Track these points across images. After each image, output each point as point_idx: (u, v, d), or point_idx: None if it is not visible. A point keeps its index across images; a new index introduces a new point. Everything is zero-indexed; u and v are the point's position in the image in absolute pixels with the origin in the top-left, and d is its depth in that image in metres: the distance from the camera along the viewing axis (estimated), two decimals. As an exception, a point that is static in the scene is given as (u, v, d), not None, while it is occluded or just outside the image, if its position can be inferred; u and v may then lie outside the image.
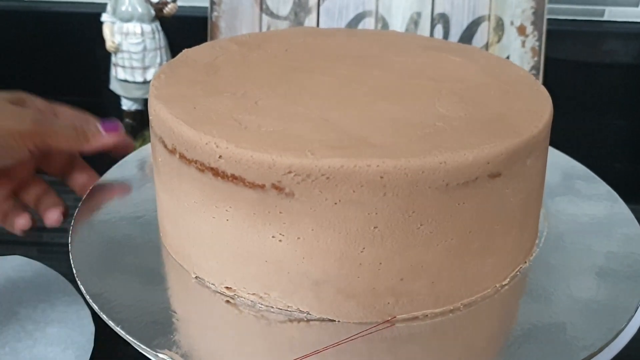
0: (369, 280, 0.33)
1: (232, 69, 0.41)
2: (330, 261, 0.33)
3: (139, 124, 0.73)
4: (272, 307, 0.35)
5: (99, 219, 0.41)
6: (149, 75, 0.69)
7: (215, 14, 0.70)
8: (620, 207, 0.44)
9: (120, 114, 0.72)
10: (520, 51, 0.69)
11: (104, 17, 0.68)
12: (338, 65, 0.42)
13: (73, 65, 0.80)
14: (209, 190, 0.34)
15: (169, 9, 0.68)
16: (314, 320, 0.34)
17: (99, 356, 0.43)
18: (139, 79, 0.69)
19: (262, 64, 0.42)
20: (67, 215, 0.44)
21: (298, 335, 0.34)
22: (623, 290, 0.36)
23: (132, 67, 0.68)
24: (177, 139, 0.34)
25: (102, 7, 0.68)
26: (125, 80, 0.69)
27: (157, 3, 0.68)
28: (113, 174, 0.47)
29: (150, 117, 0.38)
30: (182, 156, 0.34)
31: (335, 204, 0.32)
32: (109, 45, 0.68)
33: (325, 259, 0.33)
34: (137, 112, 0.72)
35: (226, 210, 0.34)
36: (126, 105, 0.72)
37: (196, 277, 0.37)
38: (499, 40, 0.69)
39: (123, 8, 0.67)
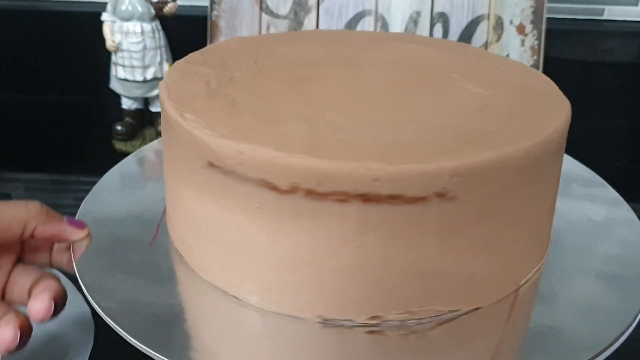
0: (508, 259, 0.35)
1: (242, 93, 0.37)
2: (485, 254, 0.33)
3: (139, 123, 0.73)
4: (424, 319, 0.33)
5: (100, 217, 0.41)
6: (149, 74, 0.69)
7: (215, 13, 0.70)
8: (623, 208, 0.43)
9: (120, 113, 0.72)
10: (520, 50, 0.69)
11: (104, 16, 0.68)
12: (332, 70, 0.41)
13: (73, 64, 0.81)
14: (356, 219, 0.31)
15: (169, 8, 0.69)
16: (462, 315, 0.34)
17: (99, 354, 0.43)
18: (139, 77, 0.69)
19: (260, 81, 0.39)
20: (24, 336, 0.34)
21: (448, 334, 0.34)
22: (626, 292, 0.36)
23: (132, 66, 0.68)
24: (303, 176, 0.30)
25: (102, 6, 0.68)
26: (125, 79, 0.69)
27: (157, 2, 0.68)
28: (113, 173, 0.47)
29: (228, 162, 0.32)
30: (310, 192, 0.30)
31: (491, 195, 0.32)
32: (109, 44, 0.68)
33: (482, 252, 0.33)
34: (137, 111, 0.72)
35: (379, 234, 0.31)
36: (126, 104, 0.72)
37: (324, 321, 0.34)
38: (498, 39, 0.69)
39: (123, 7, 0.67)
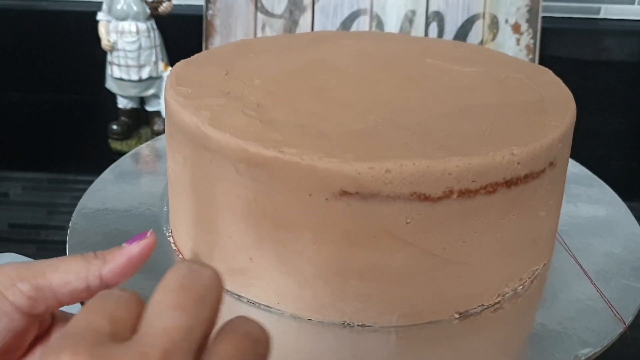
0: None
1: (290, 116, 0.34)
2: (559, 208, 0.38)
3: (134, 122, 0.73)
4: (526, 281, 0.36)
5: (97, 214, 0.41)
6: (144, 74, 0.69)
7: (210, 12, 0.70)
8: (620, 207, 0.44)
9: (116, 112, 0.72)
10: (515, 49, 0.69)
11: (100, 16, 0.68)
12: (324, 76, 0.39)
13: (70, 63, 0.80)
14: (499, 206, 0.32)
15: (164, 7, 0.69)
16: (539, 271, 0.37)
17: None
18: (135, 77, 0.69)
19: (283, 100, 0.36)
20: None
21: (539, 288, 0.37)
22: (624, 291, 0.36)
23: (128, 66, 0.68)
24: (458, 178, 0.30)
25: (98, 6, 0.68)
26: (121, 79, 0.69)
27: (152, 2, 0.68)
28: (110, 171, 0.47)
29: (372, 185, 0.29)
30: (463, 193, 0.30)
31: (566, 155, 0.36)
32: (104, 43, 0.68)
33: (559, 207, 0.38)
34: (132, 110, 0.72)
35: (513, 215, 0.33)
36: (122, 103, 0.72)
37: (460, 315, 0.34)
38: (493, 38, 0.69)
39: (118, 7, 0.67)
